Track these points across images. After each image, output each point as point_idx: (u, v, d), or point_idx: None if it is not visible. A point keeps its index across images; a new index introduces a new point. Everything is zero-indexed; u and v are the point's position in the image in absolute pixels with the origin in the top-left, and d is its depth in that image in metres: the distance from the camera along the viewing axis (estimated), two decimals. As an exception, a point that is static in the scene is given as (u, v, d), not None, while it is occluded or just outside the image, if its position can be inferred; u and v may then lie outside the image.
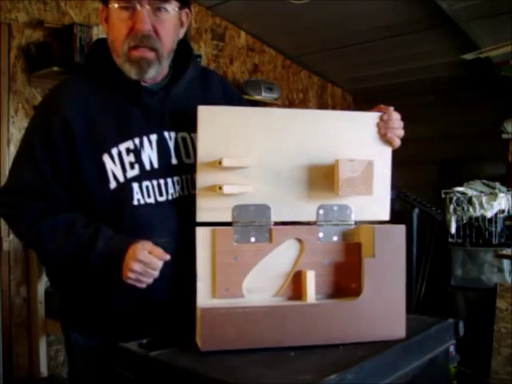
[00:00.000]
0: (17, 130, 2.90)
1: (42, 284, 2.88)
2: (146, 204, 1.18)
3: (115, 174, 1.17)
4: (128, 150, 1.17)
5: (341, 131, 1.19)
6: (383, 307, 1.10)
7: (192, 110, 1.11)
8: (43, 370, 2.89)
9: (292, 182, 1.16)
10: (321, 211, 1.18)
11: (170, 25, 1.19)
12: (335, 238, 1.17)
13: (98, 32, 2.97)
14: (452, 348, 1.22)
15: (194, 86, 1.27)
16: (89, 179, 1.17)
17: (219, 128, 1.12)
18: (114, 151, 1.17)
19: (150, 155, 1.19)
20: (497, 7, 3.10)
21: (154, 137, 1.20)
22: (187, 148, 1.24)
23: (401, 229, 1.13)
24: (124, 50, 1.17)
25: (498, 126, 3.95)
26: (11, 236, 2.87)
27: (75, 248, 1.14)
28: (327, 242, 1.17)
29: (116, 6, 1.16)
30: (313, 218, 1.18)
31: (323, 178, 1.17)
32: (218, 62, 3.98)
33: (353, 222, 1.19)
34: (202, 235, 1.10)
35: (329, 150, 1.17)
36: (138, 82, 1.21)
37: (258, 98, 3.93)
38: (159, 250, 1.11)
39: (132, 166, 1.17)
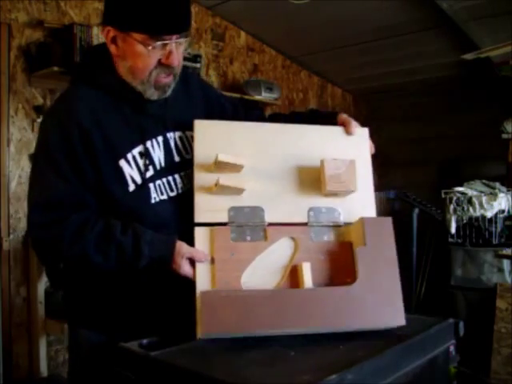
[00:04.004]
0: (17, 129, 2.90)
1: (42, 284, 2.88)
2: (161, 201, 1.26)
3: (133, 177, 1.24)
4: (141, 154, 1.25)
5: (324, 142, 1.30)
6: (379, 293, 1.11)
7: (181, 111, 1.32)
8: (43, 369, 2.89)
9: (283, 187, 1.25)
10: (311, 213, 1.24)
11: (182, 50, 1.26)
12: (326, 238, 1.23)
13: (97, 32, 2.96)
14: (452, 348, 1.22)
15: (178, 88, 1.32)
16: (109, 184, 1.23)
17: (213, 138, 1.24)
18: (129, 156, 1.24)
19: (158, 156, 1.28)
20: (497, 7, 3.10)
21: (160, 139, 1.29)
22: (185, 145, 1.33)
23: (387, 220, 1.20)
24: (151, 79, 1.22)
25: (498, 126, 3.95)
26: (11, 236, 2.87)
27: (121, 258, 1.18)
28: (319, 241, 1.22)
29: (148, 41, 1.17)
30: (304, 220, 1.24)
31: (311, 182, 1.26)
32: (218, 61, 3.98)
33: (342, 224, 1.25)
34: (201, 234, 1.16)
35: (314, 157, 1.26)
36: (141, 94, 1.26)
37: (258, 97, 3.93)
38: (199, 254, 1.16)
39: (146, 167, 1.25)
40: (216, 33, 3.93)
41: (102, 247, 1.17)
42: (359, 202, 1.27)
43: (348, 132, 1.32)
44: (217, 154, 1.17)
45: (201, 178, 1.21)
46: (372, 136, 1.40)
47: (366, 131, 1.37)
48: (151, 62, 1.20)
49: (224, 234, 1.17)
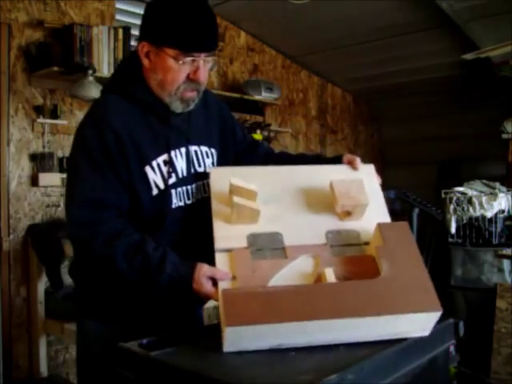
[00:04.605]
0: (17, 129, 2.90)
1: (42, 284, 2.89)
2: (179, 207, 1.36)
3: (156, 183, 1.33)
4: (165, 162, 1.34)
5: (332, 176, 1.33)
6: (408, 283, 1.08)
7: (200, 127, 1.42)
8: (43, 370, 2.89)
9: (298, 214, 1.29)
10: (329, 235, 1.25)
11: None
12: (346, 254, 1.21)
13: (97, 32, 2.97)
14: (452, 348, 1.22)
15: (199, 106, 1.41)
16: (136, 187, 1.31)
17: (228, 175, 1.30)
18: (154, 163, 1.33)
19: (181, 165, 1.37)
20: (497, 7, 3.10)
21: (183, 150, 1.38)
22: (198, 159, 1.42)
23: (404, 225, 1.21)
24: (178, 92, 1.31)
25: (498, 126, 3.95)
26: (11, 236, 2.87)
27: (145, 270, 1.23)
28: (341, 256, 1.21)
29: (179, 57, 1.26)
30: (323, 242, 1.24)
31: (326, 208, 1.30)
32: (218, 62, 3.98)
33: (362, 243, 1.24)
34: (221, 257, 1.18)
35: (325, 187, 1.31)
36: (168, 107, 1.35)
37: (257, 97, 3.93)
38: (220, 273, 1.18)
39: (170, 174, 1.34)
40: (216, 33, 3.92)
41: (130, 255, 1.23)
42: (375, 219, 1.26)
43: (354, 168, 1.40)
44: (229, 179, 1.25)
45: (219, 208, 1.27)
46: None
47: (371, 167, 1.43)
48: (180, 76, 1.28)
49: (244, 254, 1.18)
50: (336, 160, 1.46)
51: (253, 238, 1.22)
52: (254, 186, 1.27)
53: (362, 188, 1.28)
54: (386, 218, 1.31)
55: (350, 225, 1.28)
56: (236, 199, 1.21)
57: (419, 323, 1.07)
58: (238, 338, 1.01)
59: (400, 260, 1.12)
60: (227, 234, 1.23)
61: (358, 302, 1.04)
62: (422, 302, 1.06)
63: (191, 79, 1.29)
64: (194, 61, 1.27)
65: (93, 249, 1.25)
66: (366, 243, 1.24)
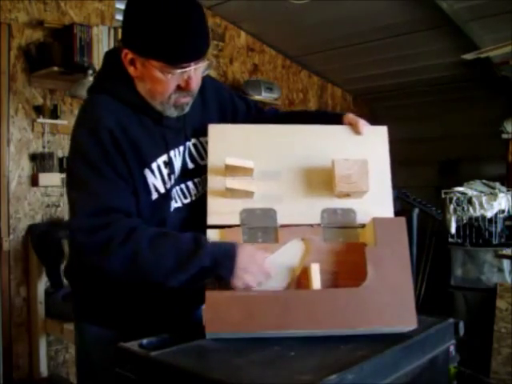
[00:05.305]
0: (17, 130, 2.90)
1: (42, 284, 2.88)
2: (177, 208, 1.29)
3: (156, 187, 1.25)
4: (165, 163, 1.27)
5: (339, 142, 1.27)
6: (389, 294, 1.08)
7: (197, 119, 1.32)
8: (43, 369, 2.89)
9: (296, 188, 1.23)
10: (324, 215, 1.22)
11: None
12: (339, 239, 1.20)
13: (97, 32, 2.97)
14: (452, 348, 1.22)
15: (195, 97, 1.32)
16: (137, 189, 1.23)
17: (226, 142, 1.25)
18: (154, 165, 1.25)
19: (178, 165, 1.29)
20: (497, 7, 3.10)
21: (181, 148, 1.31)
22: (199, 151, 1.34)
23: (401, 220, 1.17)
24: (171, 101, 1.22)
25: (498, 126, 3.96)
26: (11, 236, 2.87)
27: (180, 251, 1.12)
28: (332, 242, 1.19)
29: (167, 69, 1.16)
30: (317, 221, 1.21)
31: (326, 183, 1.23)
32: (218, 61, 3.98)
33: (357, 225, 1.21)
34: (212, 236, 1.16)
35: (329, 157, 1.23)
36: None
37: (258, 97, 3.92)
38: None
39: (169, 177, 1.27)
40: (216, 33, 3.93)
41: (157, 241, 1.13)
42: (376, 202, 1.23)
43: (357, 132, 1.28)
44: (225, 159, 1.19)
45: (214, 181, 1.22)
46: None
47: (384, 129, 1.32)
48: (170, 87, 1.19)
49: (235, 235, 1.17)
50: (336, 118, 1.32)
51: (246, 215, 1.20)
52: (250, 163, 1.20)
53: (366, 173, 1.20)
54: (388, 198, 1.26)
55: (348, 203, 1.23)
56: (229, 184, 1.17)
57: (394, 331, 1.09)
58: (217, 335, 1.08)
59: (387, 267, 1.10)
60: (220, 210, 1.19)
61: (334, 313, 1.06)
62: (400, 317, 1.07)
63: (183, 88, 1.20)
64: (183, 72, 1.16)
65: (111, 250, 1.12)
66: (362, 225, 1.21)
